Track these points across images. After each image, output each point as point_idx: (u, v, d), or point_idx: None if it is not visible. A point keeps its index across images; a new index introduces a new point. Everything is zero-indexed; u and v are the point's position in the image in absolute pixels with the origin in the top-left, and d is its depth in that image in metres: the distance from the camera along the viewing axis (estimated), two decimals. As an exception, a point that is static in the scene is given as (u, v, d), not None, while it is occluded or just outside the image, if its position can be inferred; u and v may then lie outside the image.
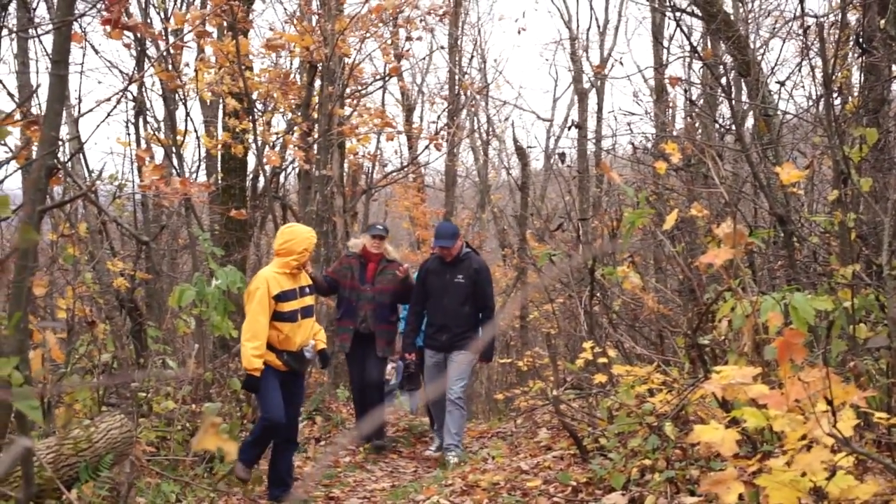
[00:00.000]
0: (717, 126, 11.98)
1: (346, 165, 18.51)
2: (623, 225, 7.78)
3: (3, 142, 7.49)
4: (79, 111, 10.22)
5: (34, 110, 8.46)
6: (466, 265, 10.56)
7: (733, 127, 10.00)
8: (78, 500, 6.09)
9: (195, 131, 15.60)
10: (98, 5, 8.22)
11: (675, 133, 13.68)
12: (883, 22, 8.16)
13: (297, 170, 17.28)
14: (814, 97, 11.11)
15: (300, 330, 8.44)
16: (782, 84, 11.10)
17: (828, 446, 3.96)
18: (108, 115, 7.72)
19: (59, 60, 4.98)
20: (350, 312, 10.92)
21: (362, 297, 10.89)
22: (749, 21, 12.25)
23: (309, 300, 8.67)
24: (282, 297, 8.33)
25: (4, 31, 8.75)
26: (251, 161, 16.52)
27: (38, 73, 13.65)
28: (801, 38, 10.46)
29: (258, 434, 8.52)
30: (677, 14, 10.85)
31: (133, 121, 14.32)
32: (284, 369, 8.40)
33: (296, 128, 15.60)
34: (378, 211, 31.17)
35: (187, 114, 15.93)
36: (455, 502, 7.55)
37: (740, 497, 4.80)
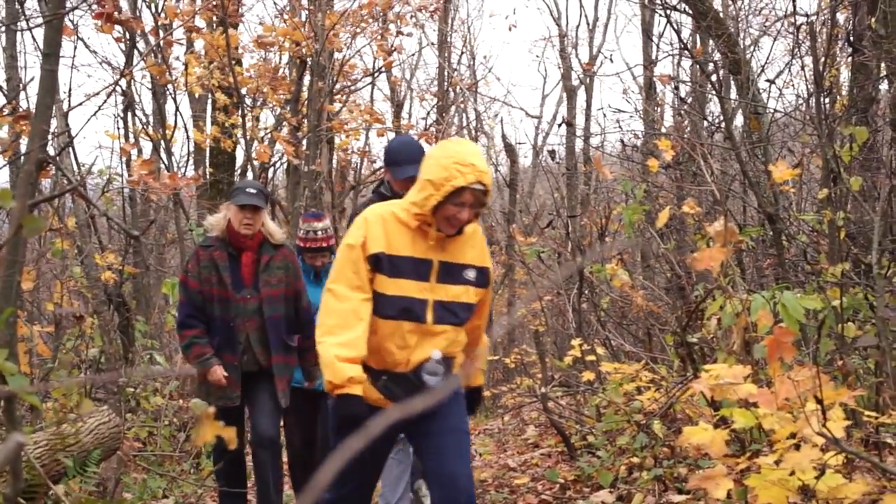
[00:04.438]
0: (706, 124, 11.99)
1: (335, 161, 18.49)
2: (622, 221, 7.80)
3: (-9, 135, 7.48)
4: (69, 105, 10.21)
5: (23, 104, 8.44)
6: None
7: (723, 125, 10.02)
8: (65, 496, 6.07)
9: (184, 126, 15.57)
10: (88, -1, 8.22)
11: (664, 131, 13.70)
12: (872, 21, 8.17)
13: (285, 165, 17.28)
14: (804, 95, 11.14)
15: (423, 342, 4.62)
16: (772, 82, 11.12)
17: (817, 445, 3.97)
18: (99, 109, 7.70)
19: (50, 54, 4.97)
20: (227, 339, 6.53)
21: (241, 310, 6.54)
22: (739, 19, 12.25)
23: (462, 293, 4.67)
24: (387, 265, 4.56)
25: (-7, 24, 8.73)
26: (240, 156, 16.51)
27: (26, 67, 13.59)
28: (792, 36, 10.49)
29: None
30: (667, 11, 10.85)
31: (122, 115, 14.28)
32: (382, 403, 4.61)
33: (285, 123, 15.58)
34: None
35: (176, 108, 15.91)
36: (443, 499, 7.53)
37: (728, 496, 4.82)
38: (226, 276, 6.49)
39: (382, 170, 6.55)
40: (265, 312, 6.52)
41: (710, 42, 11.66)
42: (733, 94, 11.77)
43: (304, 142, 14.71)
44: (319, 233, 7.23)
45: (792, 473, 3.96)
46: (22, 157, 6.94)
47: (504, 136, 25.82)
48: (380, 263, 4.56)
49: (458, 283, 4.68)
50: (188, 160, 16.93)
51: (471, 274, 4.74)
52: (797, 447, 4.07)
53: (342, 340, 4.46)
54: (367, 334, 4.52)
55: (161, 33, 11.96)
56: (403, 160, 6.14)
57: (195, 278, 6.53)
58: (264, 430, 6.54)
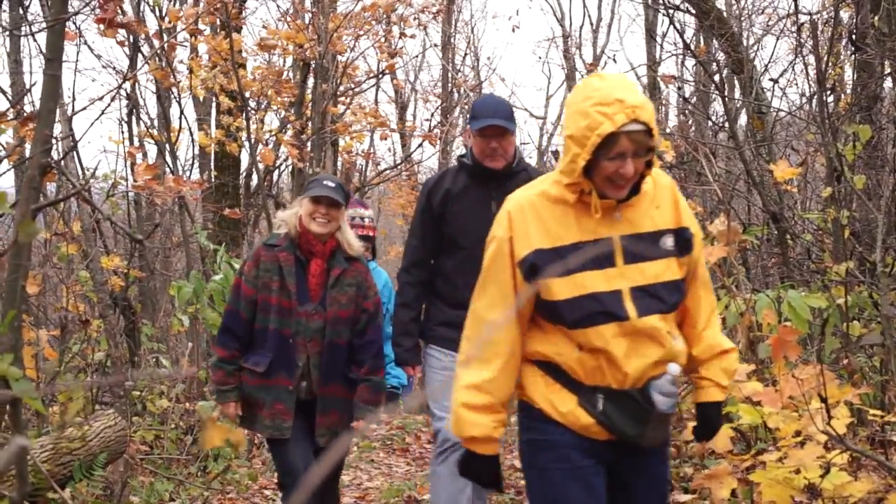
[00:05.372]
0: (710, 123, 11.99)
1: (339, 163, 18.52)
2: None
3: (-4, 140, 7.49)
4: (72, 109, 10.21)
5: (27, 108, 8.47)
6: (525, 183, 4.65)
7: (726, 124, 10.02)
8: (71, 500, 6.08)
9: (189, 129, 15.59)
10: (92, 3, 8.24)
11: (668, 130, 13.70)
12: (875, 19, 8.17)
13: (290, 168, 17.29)
14: (807, 94, 11.15)
15: (636, 347, 3.46)
16: (776, 81, 11.15)
17: (821, 443, 3.97)
18: (102, 113, 7.73)
19: (53, 59, 4.98)
20: (283, 359, 5.47)
21: (302, 327, 5.47)
22: (742, 18, 12.26)
23: (663, 269, 3.52)
24: (553, 263, 3.48)
25: (-2, 29, 8.75)
26: (244, 159, 16.54)
27: (31, 72, 13.61)
28: (795, 35, 10.49)
29: None
30: (671, 11, 10.85)
31: (126, 119, 14.31)
32: (605, 436, 3.52)
33: (289, 126, 15.60)
34: (372, 209, 31.22)
35: (181, 111, 15.97)
36: (449, 500, 7.55)
37: (734, 494, 4.83)
38: (290, 283, 5.47)
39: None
40: (328, 336, 5.50)
41: (714, 42, 11.68)
42: (737, 94, 11.77)
43: (309, 144, 14.72)
44: (366, 220, 6.62)
45: (797, 472, 3.96)
46: (27, 162, 6.96)
47: (508, 137, 25.76)
48: (540, 266, 3.47)
49: (654, 258, 3.53)
50: (193, 163, 16.98)
51: (668, 241, 3.57)
52: (802, 445, 4.08)
53: (472, 381, 3.53)
54: (510, 370, 3.55)
55: (165, 37, 11.99)
56: (481, 113, 5.38)
57: (251, 284, 5.52)
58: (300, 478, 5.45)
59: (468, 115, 5.55)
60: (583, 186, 3.42)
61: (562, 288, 3.44)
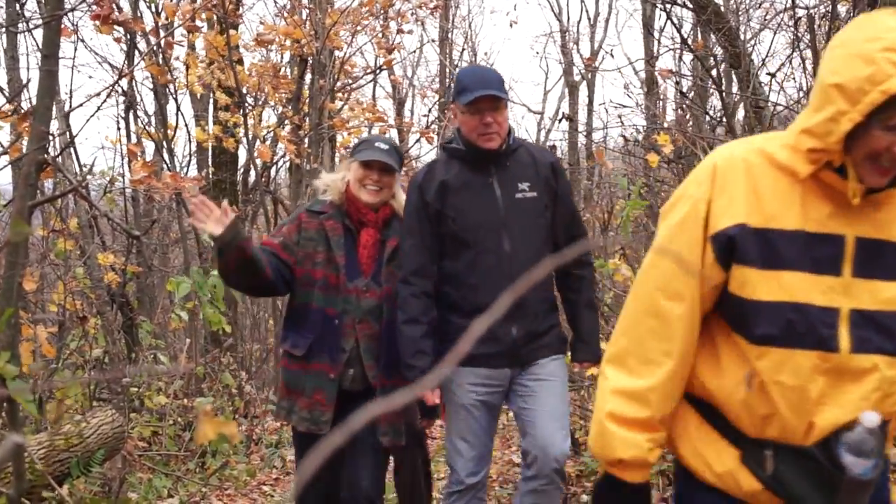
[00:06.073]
0: (707, 118, 11.98)
1: (337, 159, 18.52)
2: (621, 216, 7.79)
3: (-7, 137, 7.48)
4: (69, 106, 10.21)
5: (24, 105, 8.47)
6: (526, 160, 4.78)
7: (724, 119, 10.00)
8: (69, 496, 6.08)
9: (186, 126, 15.57)
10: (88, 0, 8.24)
11: (665, 125, 13.71)
12: (873, 13, 8.17)
13: (288, 164, 17.28)
14: (804, 89, 11.14)
15: (836, 390, 2.48)
16: (773, 75, 11.11)
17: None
18: (99, 109, 7.71)
19: (49, 55, 4.98)
20: (325, 341, 4.72)
21: (352, 306, 4.73)
22: (740, 12, 12.25)
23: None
24: (758, 248, 2.49)
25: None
26: (242, 155, 16.52)
27: (28, 68, 13.62)
28: (792, 29, 10.48)
29: None
30: (668, 5, 10.84)
31: (123, 115, 14.29)
32: (765, 501, 2.58)
33: (287, 122, 15.59)
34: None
35: (178, 108, 15.94)
36: (448, 495, 7.54)
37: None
38: (339, 255, 4.71)
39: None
40: (387, 316, 4.72)
41: (711, 36, 11.67)
42: (734, 88, 11.76)
43: (306, 140, 14.72)
44: None
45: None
46: (23, 158, 6.95)
47: (506, 133, 25.75)
48: (742, 247, 2.49)
49: (873, 274, 2.48)
50: (190, 160, 16.95)
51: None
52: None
53: (627, 386, 2.62)
54: (679, 379, 2.61)
55: (161, 33, 11.98)
56: (471, 85, 4.58)
57: (287, 249, 4.75)
58: (362, 488, 4.74)
59: (454, 91, 4.79)
60: (832, 158, 2.42)
61: (763, 285, 2.49)
